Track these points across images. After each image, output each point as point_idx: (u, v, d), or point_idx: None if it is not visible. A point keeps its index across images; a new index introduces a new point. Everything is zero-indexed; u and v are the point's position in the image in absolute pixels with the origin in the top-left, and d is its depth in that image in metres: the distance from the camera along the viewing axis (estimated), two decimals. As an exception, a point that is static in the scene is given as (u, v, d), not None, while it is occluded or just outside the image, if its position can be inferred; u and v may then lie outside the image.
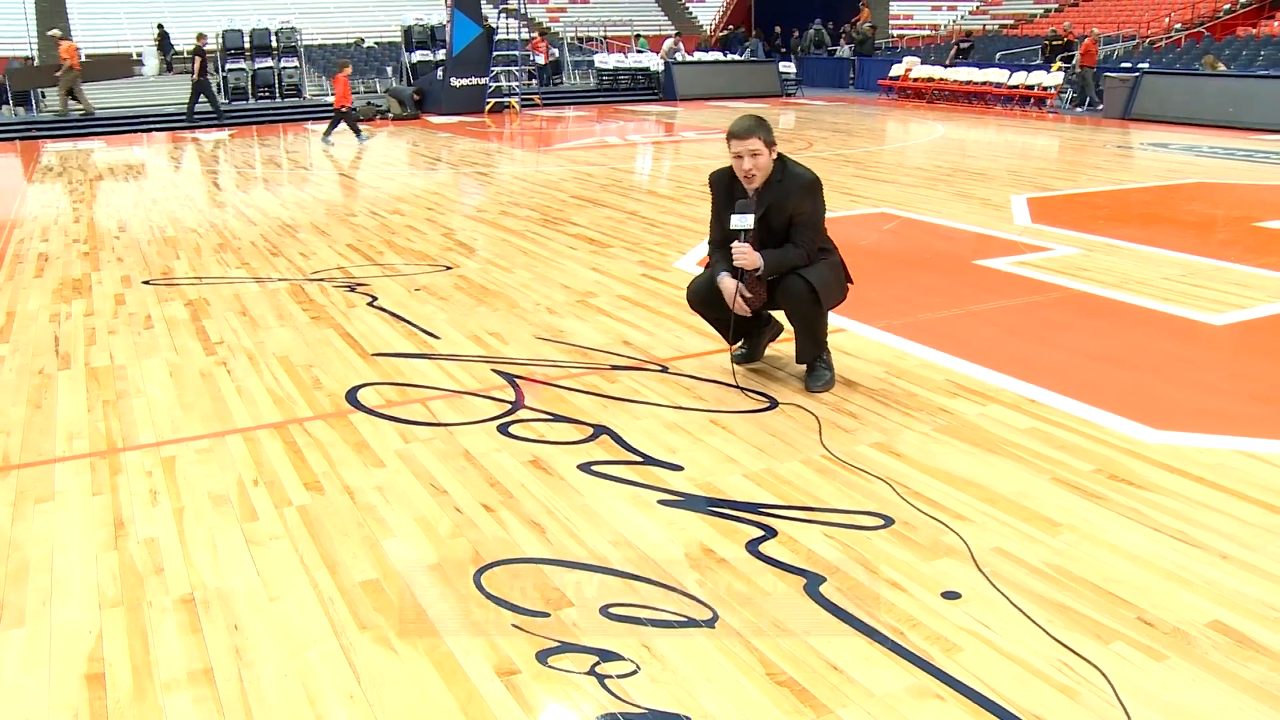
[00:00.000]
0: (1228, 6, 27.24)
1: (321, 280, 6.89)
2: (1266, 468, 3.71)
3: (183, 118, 20.47)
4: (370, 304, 6.21)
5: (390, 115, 21.07)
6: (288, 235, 8.57)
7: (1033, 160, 13.55)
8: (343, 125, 16.68)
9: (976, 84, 22.71)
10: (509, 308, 6.07)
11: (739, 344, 4.84)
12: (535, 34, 27.03)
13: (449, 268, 7.19)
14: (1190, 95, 18.58)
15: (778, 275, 4.39)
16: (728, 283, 4.43)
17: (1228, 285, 6.41)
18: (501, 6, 23.53)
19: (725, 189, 4.52)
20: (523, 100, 22.58)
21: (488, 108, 21.88)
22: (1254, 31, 24.67)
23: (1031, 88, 21.55)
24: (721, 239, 4.54)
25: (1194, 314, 5.77)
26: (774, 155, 4.36)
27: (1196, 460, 3.78)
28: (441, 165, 13.57)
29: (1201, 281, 6.51)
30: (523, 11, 23.61)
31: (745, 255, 4.30)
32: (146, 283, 6.94)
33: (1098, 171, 11.95)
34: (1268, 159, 13.10)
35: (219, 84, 22.73)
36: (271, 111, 21.96)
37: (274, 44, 23.73)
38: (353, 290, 6.58)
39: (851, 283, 4.65)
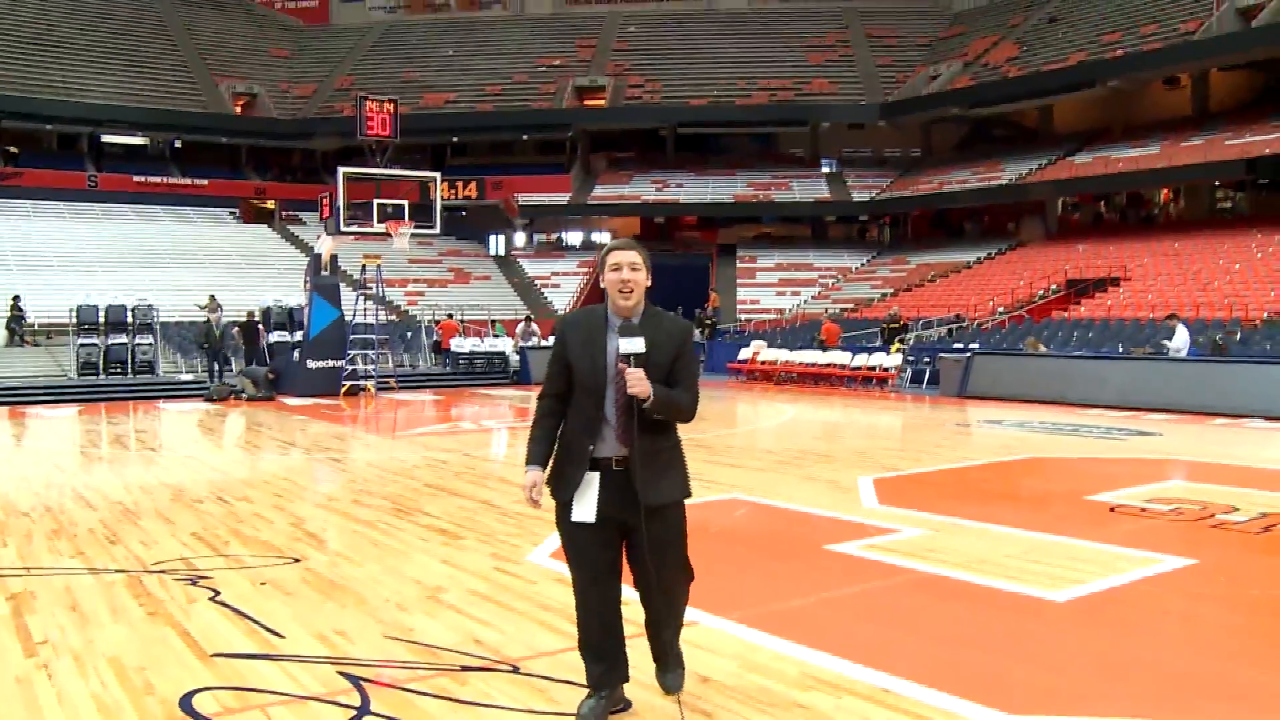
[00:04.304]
0: (1041, 292, 29.84)
1: (162, 572, 6.56)
2: (1116, 755, 3.75)
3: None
4: (213, 599, 5.92)
5: (244, 396, 20.88)
6: (129, 521, 8.21)
7: (878, 440, 14.16)
8: None
9: (821, 366, 23.96)
10: (357, 604, 5.86)
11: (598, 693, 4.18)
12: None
13: (297, 560, 6.94)
14: (1017, 374, 19.98)
15: (661, 413, 3.93)
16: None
17: (1065, 560, 6.67)
18: (360, 291, 24.06)
19: (586, 328, 4.05)
20: (378, 383, 22.71)
21: (343, 390, 21.91)
22: (1066, 315, 27.00)
23: (874, 369, 22.83)
24: (564, 390, 4.08)
25: (1038, 591, 5.95)
26: (648, 282, 4.01)
27: (1049, 750, 3.79)
28: (294, 449, 13.36)
29: (1041, 558, 6.76)
30: (381, 295, 24.16)
31: (640, 381, 3.82)
32: (-41, 585, 6.48)
33: (939, 450, 12.53)
34: (1091, 433, 14.02)
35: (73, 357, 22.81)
36: (123, 388, 21.66)
37: (130, 320, 23.72)
38: (194, 583, 6.27)
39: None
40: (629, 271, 3.94)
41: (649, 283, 4.00)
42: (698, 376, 4.09)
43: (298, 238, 40.97)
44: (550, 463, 4.13)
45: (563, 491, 4.03)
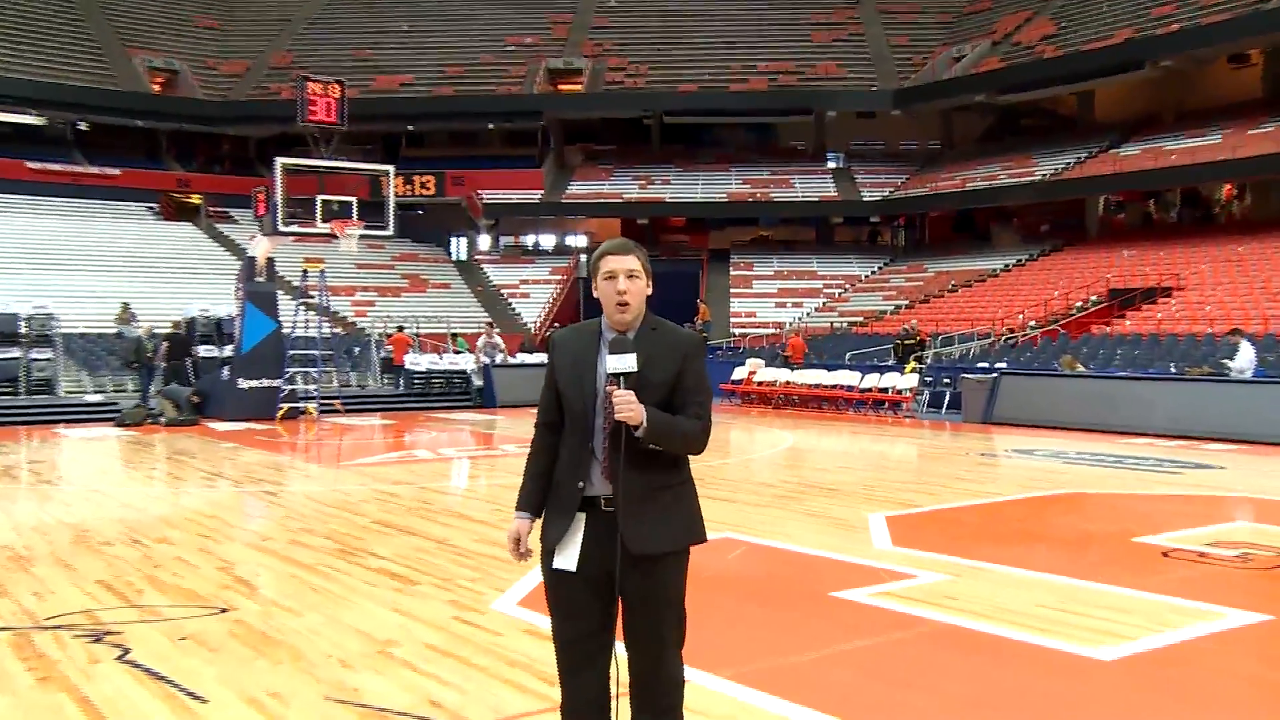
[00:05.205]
0: (1079, 304, 29.98)
1: (58, 628, 6.47)
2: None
3: None
4: (121, 658, 5.83)
5: (163, 420, 20.75)
6: (19, 569, 8.10)
7: (891, 472, 14.18)
8: None
9: (826, 387, 23.98)
10: (294, 660, 5.80)
11: None
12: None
13: (224, 610, 6.88)
14: (1052, 397, 20.01)
15: (660, 442, 3.72)
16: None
17: (1110, 612, 6.66)
18: (301, 300, 23.98)
19: (575, 346, 3.91)
20: (321, 406, 22.63)
21: (280, 414, 21.82)
22: (1108, 330, 27.09)
23: (886, 391, 22.85)
24: (556, 419, 3.89)
25: (1078, 648, 5.92)
26: (649, 289, 3.89)
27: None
28: (222, 482, 13.29)
29: (1081, 609, 6.75)
30: (324, 304, 24.09)
31: (630, 405, 3.63)
32: None
33: (961, 483, 12.55)
34: (1138, 465, 14.06)
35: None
36: (13, 411, 21.50)
37: (24, 330, 23.52)
38: (99, 641, 6.18)
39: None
40: (625, 280, 3.78)
41: (649, 290, 3.86)
42: (709, 399, 3.89)
43: (228, 238, 40.99)
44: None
45: (548, 535, 3.83)
